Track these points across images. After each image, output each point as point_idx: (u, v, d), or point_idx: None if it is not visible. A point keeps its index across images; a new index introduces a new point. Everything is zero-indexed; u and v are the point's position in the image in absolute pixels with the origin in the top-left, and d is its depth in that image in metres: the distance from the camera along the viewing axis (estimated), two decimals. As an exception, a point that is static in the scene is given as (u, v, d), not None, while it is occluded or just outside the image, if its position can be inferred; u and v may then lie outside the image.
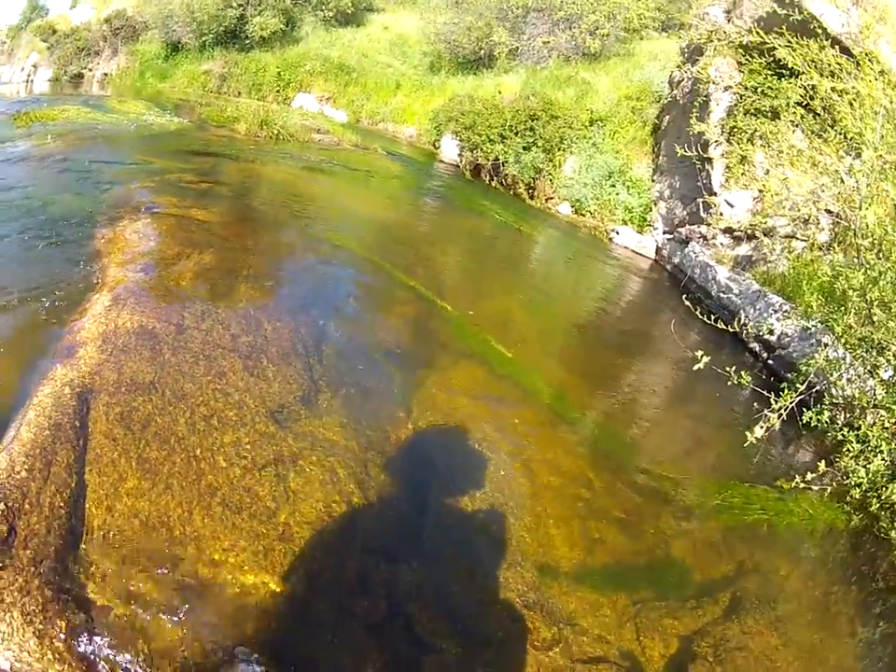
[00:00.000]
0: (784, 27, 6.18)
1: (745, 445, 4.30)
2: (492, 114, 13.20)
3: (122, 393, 3.36)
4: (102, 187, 7.51)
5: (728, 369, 4.64)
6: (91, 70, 27.20)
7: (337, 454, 3.37)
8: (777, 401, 4.63)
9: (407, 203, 10.81)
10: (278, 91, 20.23)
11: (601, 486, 3.85)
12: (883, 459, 4.45)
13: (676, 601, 3.15)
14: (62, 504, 2.66)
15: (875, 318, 4.80)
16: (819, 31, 6.11)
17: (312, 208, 8.48)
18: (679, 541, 3.63)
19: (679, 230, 10.53)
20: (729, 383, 4.66)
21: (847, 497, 4.47)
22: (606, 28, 16.57)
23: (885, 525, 4.26)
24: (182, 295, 4.68)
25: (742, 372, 4.63)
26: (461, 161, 13.83)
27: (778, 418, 4.57)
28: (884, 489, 4.38)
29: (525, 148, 12.62)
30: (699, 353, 4.42)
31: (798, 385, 4.77)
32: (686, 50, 11.70)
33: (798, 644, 3.21)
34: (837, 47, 5.67)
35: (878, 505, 4.34)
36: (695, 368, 4.42)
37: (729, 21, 10.58)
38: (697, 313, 5.23)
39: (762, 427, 4.37)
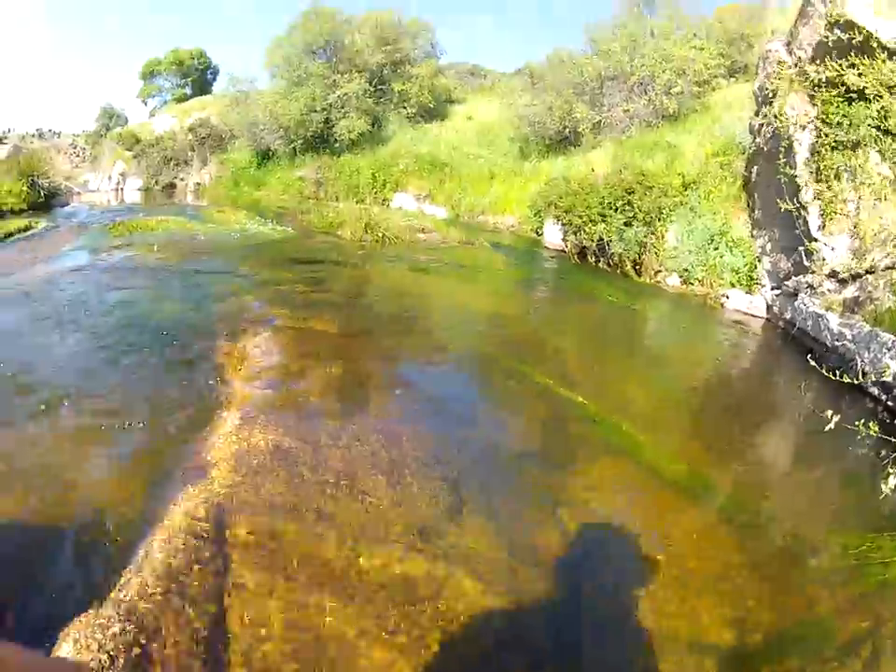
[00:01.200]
0: (838, 49, 6.20)
1: (881, 498, 4.03)
2: (588, 193, 13.28)
3: (263, 515, 3.35)
4: (215, 299, 7.70)
5: (857, 423, 4.36)
6: (182, 180, 28.40)
7: (486, 564, 3.32)
8: None
9: (519, 295, 10.82)
10: (375, 193, 20.73)
11: (742, 561, 3.75)
12: None
13: (819, 662, 3.07)
14: (199, 628, 2.62)
15: None
16: (876, 46, 6.01)
17: (426, 310, 8.58)
18: (823, 604, 3.51)
19: (786, 283, 10.28)
20: (858, 436, 4.45)
21: None
22: (679, 85, 16.72)
23: None
24: (313, 411, 4.70)
25: (870, 423, 4.37)
26: (566, 245, 13.84)
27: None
28: None
29: (626, 224, 12.58)
30: (829, 412, 4.19)
31: None
32: (759, 94, 11.68)
33: None
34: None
35: None
36: (827, 429, 4.17)
37: (790, 53, 10.49)
38: (823, 371, 5.08)
39: (895, 475, 4.08)
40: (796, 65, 9.79)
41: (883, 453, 4.66)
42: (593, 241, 12.98)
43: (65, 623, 2.56)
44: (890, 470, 4.20)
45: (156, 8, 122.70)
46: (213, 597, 2.80)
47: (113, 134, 32.62)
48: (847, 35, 6.54)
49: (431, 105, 24.57)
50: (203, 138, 28.22)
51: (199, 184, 27.90)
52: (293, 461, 3.94)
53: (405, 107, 23.99)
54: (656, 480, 4.65)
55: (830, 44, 6.56)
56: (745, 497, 4.65)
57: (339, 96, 22.64)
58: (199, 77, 44.70)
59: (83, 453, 4.09)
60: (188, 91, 43.64)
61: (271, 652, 2.62)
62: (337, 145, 22.73)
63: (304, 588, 2.94)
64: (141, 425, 4.43)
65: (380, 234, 13.43)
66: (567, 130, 18.35)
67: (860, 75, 5.84)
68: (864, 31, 7.51)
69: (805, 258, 9.58)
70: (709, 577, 3.62)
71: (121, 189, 28.62)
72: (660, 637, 3.10)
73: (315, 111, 22.64)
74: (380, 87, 24.25)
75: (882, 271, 8.59)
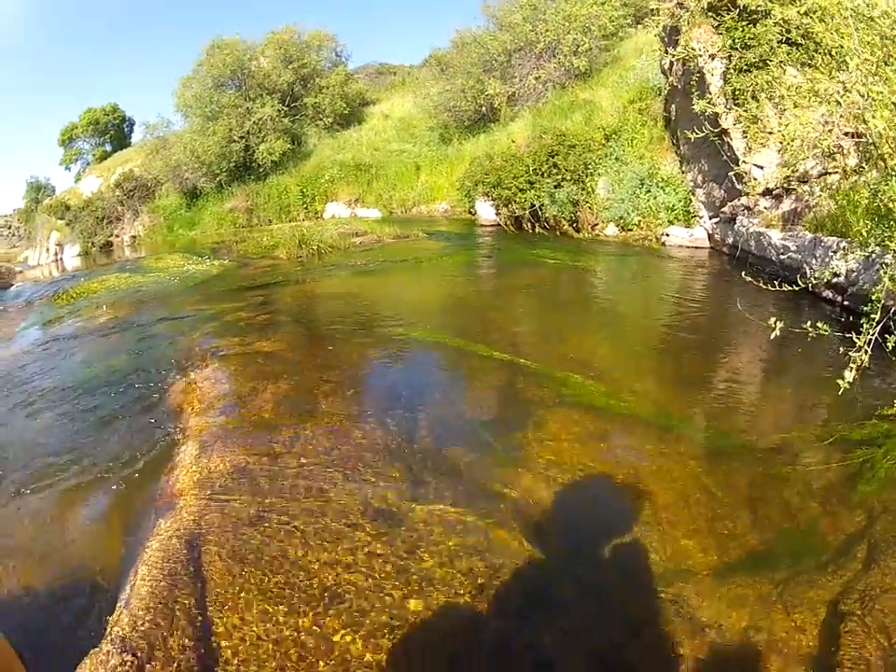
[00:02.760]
0: None
1: (840, 393, 4.22)
2: (513, 164, 13.43)
3: (230, 531, 3.46)
4: (164, 342, 7.83)
5: (804, 325, 4.53)
6: (117, 236, 28.25)
7: (455, 533, 3.37)
8: (858, 339, 4.54)
9: (461, 276, 10.86)
10: (306, 208, 20.86)
11: (718, 482, 3.82)
12: None
13: (816, 570, 3.08)
14: (190, 645, 2.73)
15: None
16: None
17: (371, 310, 8.60)
18: (807, 508, 3.56)
19: (723, 210, 10.59)
20: (810, 338, 4.56)
21: None
22: (586, 43, 16.86)
23: None
24: (267, 426, 4.78)
25: (818, 323, 4.49)
26: (500, 219, 13.95)
27: (865, 354, 4.50)
28: None
29: (555, 186, 12.75)
30: (772, 320, 4.39)
31: (873, 315, 4.67)
32: (665, 34, 11.82)
33: None
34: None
35: None
36: (772, 337, 4.40)
37: None
38: (761, 284, 5.20)
39: (850, 370, 4.28)
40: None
41: (843, 351, 4.68)
42: (525, 209, 13.15)
43: (73, 666, 2.68)
44: (852, 365, 4.37)
45: (60, 72, 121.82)
46: (195, 617, 2.90)
47: (43, 206, 32.64)
48: None
49: (347, 112, 24.66)
50: (131, 191, 28.03)
51: (134, 236, 27.75)
52: (252, 476, 4.04)
53: (322, 119, 23.98)
54: (616, 419, 4.72)
55: None
56: (712, 422, 4.71)
57: (254, 122, 22.65)
58: (116, 132, 44.32)
59: (60, 516, 4.20)
60: (108, 147, 43.27)
61: (254, 654, 2.71)
62: (261, 169, 22.78)
63: (276, 591, 3.03)
64: (108, 475, 4.55)
65: (315, 247, 13.43)
66: (483, 108, 18.56)
67: None
68: None
69: (736, 182, 9.74)
70: (688, 504, 3.65)
71: (60, 258, 28.61)
72: (641, 572, 3.14)
73: (234, 141, 22.61)
74: (293, 104, 24.30)
75: (816, 178, 8.78)
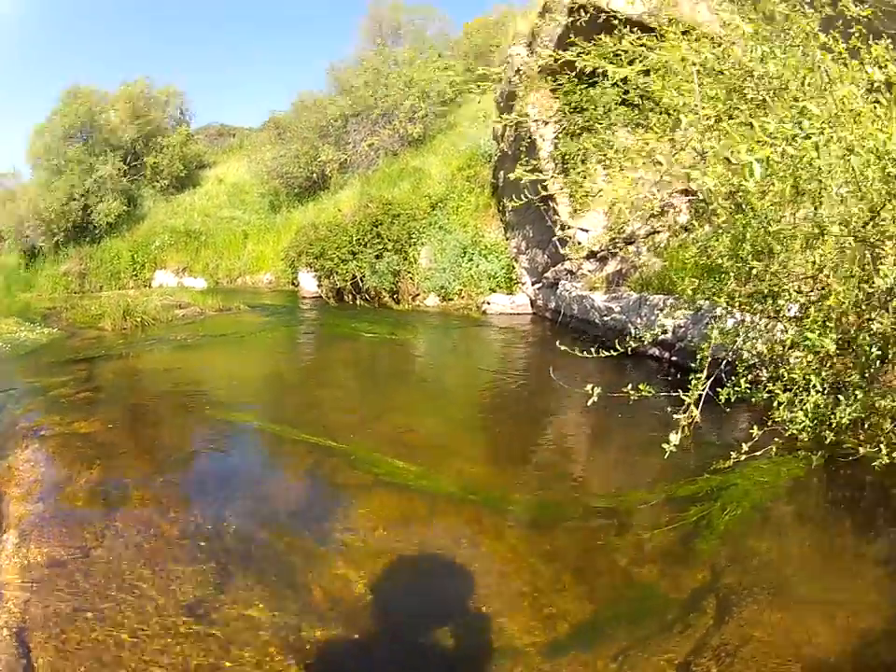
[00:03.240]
0: (583, 34, 6.16)
1: (666, 457, 4.20)
2: (337, 235, 13.30)
3: (52, 626, 3.40)
4: None
5: (625, 389, 4.58)
6: None
7: (267, 628, 3.31)
8: (688, 395, 4.62)
9: (281, 352, 10.76)
10: (136, 276, 20.22)
11: (543, 557, 3.77)
12: (819, 391, 4.47)
13: (661, 632, 3.02)
14: None
15: (755, 271, 4.86)
16: (618, 21, 6.03)
17: (189, 389, 8.38)
18: (642, 572, 3.57)
19: (546, 275, 10.68)
20: (632, 401, 4.61)
21: (798, 445, 4.59)
22: (423, 109, 17.06)
23: (850, 444, 4.52)
24: (80, 518, 4.67)
25: (640, 385, 4.55)
26: (322, 291, 13.82)
27: (697, 407, 4.59)
28: (832, 416, 4.41)
29: (377, 257, 12.68)
30: (589, 387, 4.38)
31: (700, 374, 4.75)
32: (501, 99, 12.00)
33: (805, 600, 3.23)
34: (637, 29, 5.68)
35: (834, 433, 4.43)
36: (589, 403, 4.39)
37: (533, 53, 10.84)
38: (577, 352, 5.19)
39: (676, 433, 4.25)
40: (538, 64, 9.92)
41: (669, 409, 4.82)
42: (346, 280, 13.07)
43: None
44: (679, 426, 4.41)
45: None
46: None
47: None
48: (588, 16, 6.74)
49: (184, 174, 24.00)
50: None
51: (-29, 298, 25.69)
52: (69, 570, 3.98)
53: (158, 180, 23.24)
54: (437, 502, 4.67)
55: (572, 34, 6.56)
56: (535, 494, 4.72)
57: (94, 180, 21.71)
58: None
59: None
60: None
61: None
62: (97, 231, 21.88)
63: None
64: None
65: (138, 319, 12.96)
66: (315, 175, 18.51)
67: (579, 54, 5.93)
68: (596, 7, 7.82)
69: (560, 246, 9.78)
70: (506, 584, 3.61)
71: None
72: (462, 659, 3.10)
73: (75, 199, 21.60)
74: (134, 164, 23.53)
75: (644, 238, 8.98)
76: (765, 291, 5.03)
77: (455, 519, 4.37)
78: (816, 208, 4.41)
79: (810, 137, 3.69)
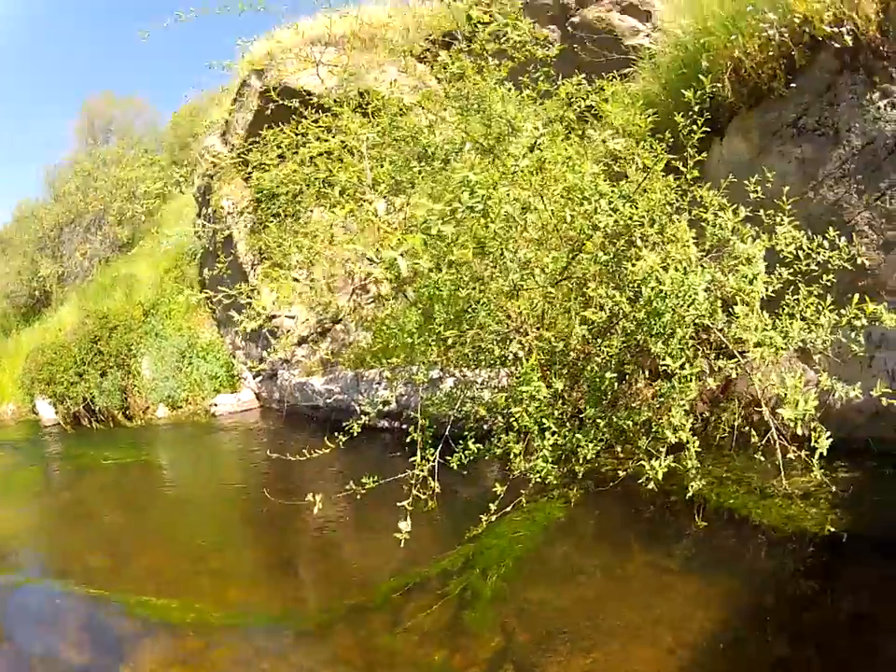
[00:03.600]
0: (276, 120, 6.34)
1: (401, 544, 3.83)
2: (62, 356, 12.91)
3: None
4: None
5: (350, 485, 4.36)
6: None
7: None
8: (419, 469, 4.40)
9: (28, 496, 9.35)
10: None
11: (327, 664, 3.59)
12: (554, 432, 4.41)
13: None
14: None
15: (449, 341, 4.92)
16: (300, 104, 6.05)
17: None
18: (432, 651, 3.39)
19: (263, 368, 10.14)
20: (378, 481, 4.43)
21: (551, 486, 4.56)
22: (129, 210, 16.92)
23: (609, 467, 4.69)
24: None
25: (363, 479, 4.37)
26: (59, 418, 13.11)
27: (433, 478, 4.40)
28: (571, 456, 4.45)
29: (102, 375, 12.37)
30: (309, 496, 4.21)
31: (428, 450, 4.58)
32: (199, 194, 11.92)
33: (619, 629, 3.22)
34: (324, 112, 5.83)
35: (582, 466, 4.41)
36: (315, 511, 4.17)
37: (226, 143, 10.92)
38: (289, 456, 4.91)
39: (406, 520, 3.91)
40: (230, 155, 9.88)
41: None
42: (79, 404, 12.57)
43: None
44: (405, 518, 3.97)
45: None
46: None
47: None
48: (278, 99, 6.33)
49: None
50: None
51: None
52: None
53: None
54: (217, 635, 4.23)
55: (264, 120, 6.94)
56: (304, 604, 4.58)
57: None
58: None
59: None
60: None
61: None
62: None
63: None
64: None
65: None
66: (38, 291, 17.83)
67: (265, 141, 6.26)
68: (291, 90, 7.87)
69: (271, 337, 9.68)
70: None
71: None
72: None
73: None
74: None
75: (350, 314, 8.94)
76: (469, 355, 5.20)
77: (231, 649, 3.98)
78: (501, 270, 4.56)
79: (474, 209, 3.80)
